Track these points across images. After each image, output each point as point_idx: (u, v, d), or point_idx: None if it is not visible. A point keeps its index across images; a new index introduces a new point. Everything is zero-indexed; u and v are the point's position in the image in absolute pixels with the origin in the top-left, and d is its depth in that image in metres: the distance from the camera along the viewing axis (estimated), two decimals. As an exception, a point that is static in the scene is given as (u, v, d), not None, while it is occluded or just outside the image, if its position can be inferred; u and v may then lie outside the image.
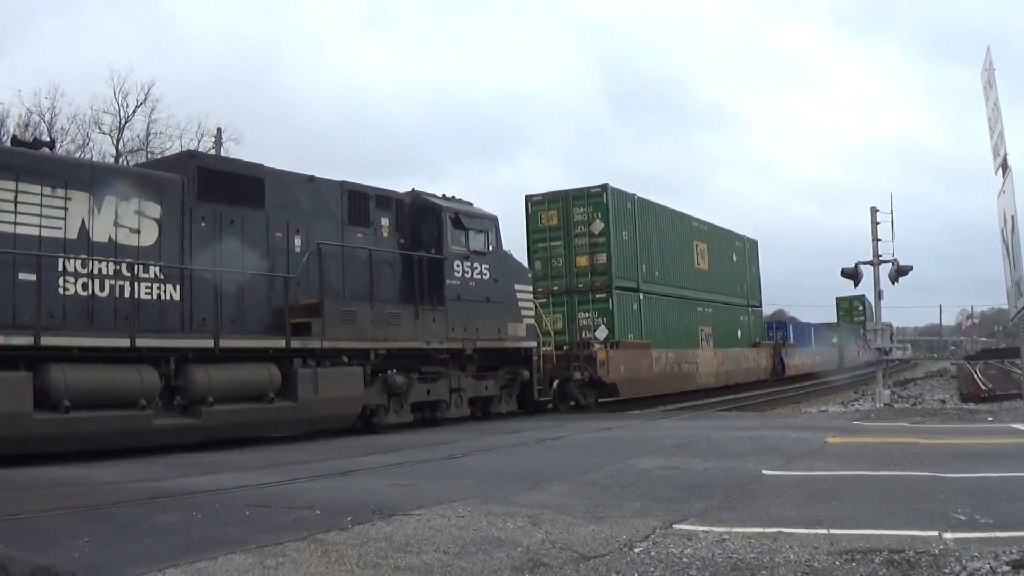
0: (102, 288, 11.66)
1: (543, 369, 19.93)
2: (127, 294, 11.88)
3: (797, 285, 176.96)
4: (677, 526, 5.84)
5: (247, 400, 13.00)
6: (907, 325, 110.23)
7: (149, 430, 11.82)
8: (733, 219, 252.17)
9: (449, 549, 5.37)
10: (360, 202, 15.82)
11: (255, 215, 13.83)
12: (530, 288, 19.49)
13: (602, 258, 23.87)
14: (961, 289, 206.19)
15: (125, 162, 36.88)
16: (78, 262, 11.41)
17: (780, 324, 41.27)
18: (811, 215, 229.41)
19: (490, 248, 18.01)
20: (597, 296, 23.85)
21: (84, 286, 11.48)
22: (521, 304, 18.84)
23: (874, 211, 22.14)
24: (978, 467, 8.36)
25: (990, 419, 15.16)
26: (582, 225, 24.09)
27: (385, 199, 16.41)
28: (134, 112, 41.18)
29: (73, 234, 11.52)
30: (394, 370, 15.66)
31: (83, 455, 11.09)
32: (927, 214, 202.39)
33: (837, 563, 4.76)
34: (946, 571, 4.59)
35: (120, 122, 41.22)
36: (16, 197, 10.95)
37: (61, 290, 11.23)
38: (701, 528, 5.75)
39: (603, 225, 23.82)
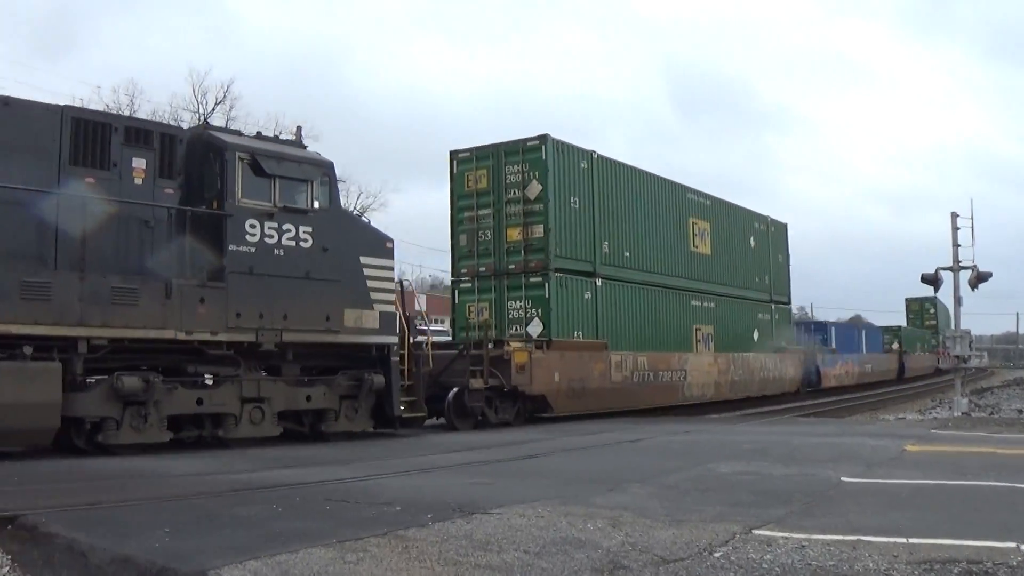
0: None
1: (420, 374, 15.43)
2: None
3: (867, 289, 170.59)
4: (757, 531, 5.91)
5: None
6: (983, 332, 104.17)
7: None
8: (802, 220, 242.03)
9: (529, 549, 5.47)
10: (95, 136, 11.59)
11: None
12: (389, 264, 14.94)
13: (538, 230, 19.10)
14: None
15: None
16: None
17: (818, 326, 35.20)
18: (881, 219, 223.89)
19: (315, 205, 13.58)
20: (531, 280, 19.12)
21: None
22: (372, 285, 14.33)
23: (954, 216, 22.52)
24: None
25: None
26: (515, 188, 19.35)
27: (143, 134, 12.14)
28: (213, 110, 43.14)
29: None
30: (129, 372, 11.44)
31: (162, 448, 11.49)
32: (1002, 221, 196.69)
33: (916, 573, 4.87)
34: (1022, 583, 4.71)
35: (199, 119, 42.18)
36: None
37: None
38: (780, 534, 5.80)
39: (540, 188, 19.04)
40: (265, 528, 6.07)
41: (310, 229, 13.46)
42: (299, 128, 36.92)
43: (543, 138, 19.19)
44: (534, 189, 19.05)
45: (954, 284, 22.79)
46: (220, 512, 6.70)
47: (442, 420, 17.14)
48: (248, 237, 12.72)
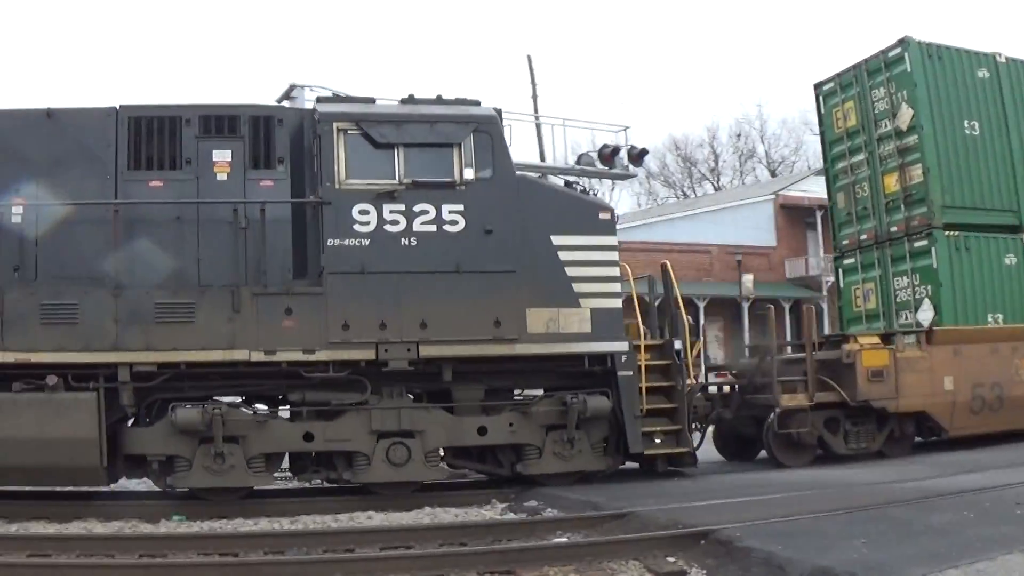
0: None
1: (683, 391, 10.98)
2: None
3: None
4: None
5: None
6: None
7: None
8: None
9: None
10: (160, 133, 10.07)
11: None
12: (607, 242, 10.90)
13: (916, 173, 13.05)
14: None
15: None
16: None
17: None
18: None
19: (466, 175, 10.38)
20: (915, 245, 13.12)
21: None
22: (578, 273, 10.55)
23: None
24: None
25: None
26: (885, 119, 13.57)
27: (225, 121, 10.23)
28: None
29: None
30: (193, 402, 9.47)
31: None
32: None
33: None
34: None
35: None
36: None
37: None
38: None
39: (911, 113, 13.02)
40: (958, 535, 6.12)
41: (461, 207, 10.28)
42: None
43: (904, 43, 13.24)
44: (905, 116, 13.12)
45: None
46: (912, 520, 6.80)
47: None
48: (357, 227, 10.01)
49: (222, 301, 9.63)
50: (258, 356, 9.63)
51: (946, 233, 12.91)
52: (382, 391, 10.22)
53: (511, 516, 9.35)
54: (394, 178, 10.19)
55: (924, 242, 12.97)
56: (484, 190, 10.37)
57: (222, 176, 10.11)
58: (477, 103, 11.13)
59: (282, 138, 10.31)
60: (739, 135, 53.56)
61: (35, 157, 9.70)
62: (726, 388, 12.66)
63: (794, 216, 36.43)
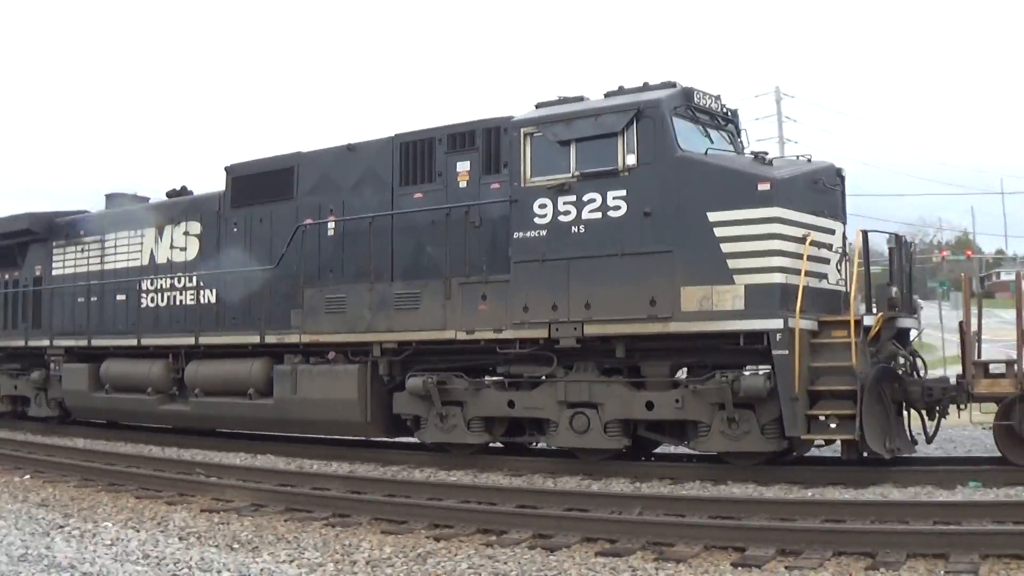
0: (162, 299, 15.31)
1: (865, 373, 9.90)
2: (176, 302, 15.10)
3: None
4: None
5: (232, 394, 13.88)
6: None
7: (155, 412, 14.94)
8: None
9: None
10: (420, 153, 12.89)
11: (284, 207, 14.01)
12: (765, 214, 10.31)
13: None
14: None
15: None
16: (148, 281, 15.48)
17: None
18: None
19: (628, 161, 11.03)
20: None
21: (151, 299, 15.46)
22: (733, 249, 10.44)
23: None
24: None
25: None
26: None
27: (465, 136, 12.55)
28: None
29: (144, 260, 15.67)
30: (419, 372, 12.33)
31: None
32: None
33: None
34: None
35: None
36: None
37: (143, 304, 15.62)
38: None
39: None
40: None
41: (623, 192, 11.07)
42: None
43: None
44: None
45: None
46: None
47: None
48: (537, 220, 11.54)
49: (438, 290, 12.22)
50: (461, 335, 11.97)
51: None
52: (574, 366, 11.62)
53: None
54: (568, 172, 11.40)
55: None
56: (645, 174, 10.91)
57: (463, 184, 12.54)
58: (669, 84, 11.44)
59: (506, 144, 12.24)
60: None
61: (342, 182, 13.43)
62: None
63: None
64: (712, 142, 11.44)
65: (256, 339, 13.79)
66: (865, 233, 11.02)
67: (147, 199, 17.32)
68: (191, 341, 14.55)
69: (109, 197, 17.57)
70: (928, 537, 7.07)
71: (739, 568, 6.82)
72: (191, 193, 16.16)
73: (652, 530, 7.87)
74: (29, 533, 8.18)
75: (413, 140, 12.94)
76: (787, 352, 10.00)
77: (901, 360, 10.66)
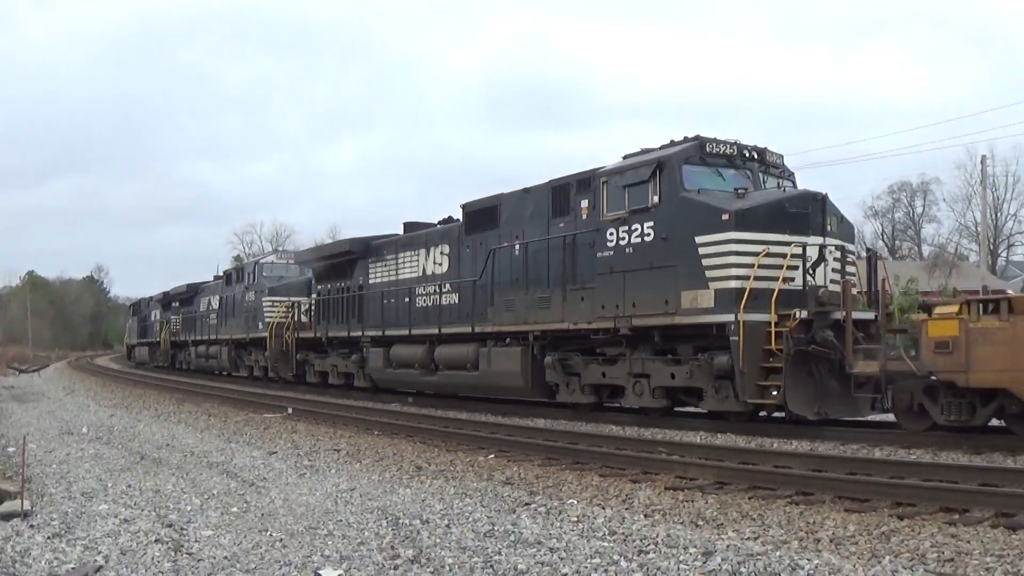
0: (426, 301, 22.22)
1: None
2: (432, 303, 21.93)
3: None
4: None
5: (458, 368, 20.39)
6: None
7: (419, 382, 22.12)
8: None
9: None
10: (562, 193, 18.20)
11: (491, 234, 20.11)
12: (725, 237, 14.44)
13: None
14: None
15: None
16: (420, 287, 22.48)
17: None
18: None
19: (655, 200, 15.64)
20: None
21: (421, 301, 22.44)
22: (708, 263, 14.76)
23: None
24: None
25: None
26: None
27: (586, 181, 17.71)
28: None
29: (420, 273, 22.61)
30: (559, 351, 17.77)
31: None
32: None
33: None
34: None
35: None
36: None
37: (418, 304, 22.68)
38: None
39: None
40: None
41: (652, 223, 15.79)
42: None
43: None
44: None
45: None
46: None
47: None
48: (608, 243, 16.55)
49: (559, 293, 17.55)
50: (569, 326, 17.27)
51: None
52: (639, 347, 16.34)
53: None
54: (623, 209, 16.24)
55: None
56: (663, 209, 15.50)
57: (584, 216, 17.75)
58: (692, 139, 15.79)
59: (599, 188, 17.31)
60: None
61: (523, 215, 19.06)
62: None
63: None
64: (724, 180, 15.57)
65: (469, 329, 20.17)
66: (843, 248, 14.55)
67: (432, 225, 24.22)
68: (436, 331, 21.32)
69: (405, 225, 24.99)
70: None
71: None
72: (457, 221, 22.97)
73: None
74: (495, 510, 8.66)
75: (559, 184, 18.30)
76: (737, 338, 14.08)
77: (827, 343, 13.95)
